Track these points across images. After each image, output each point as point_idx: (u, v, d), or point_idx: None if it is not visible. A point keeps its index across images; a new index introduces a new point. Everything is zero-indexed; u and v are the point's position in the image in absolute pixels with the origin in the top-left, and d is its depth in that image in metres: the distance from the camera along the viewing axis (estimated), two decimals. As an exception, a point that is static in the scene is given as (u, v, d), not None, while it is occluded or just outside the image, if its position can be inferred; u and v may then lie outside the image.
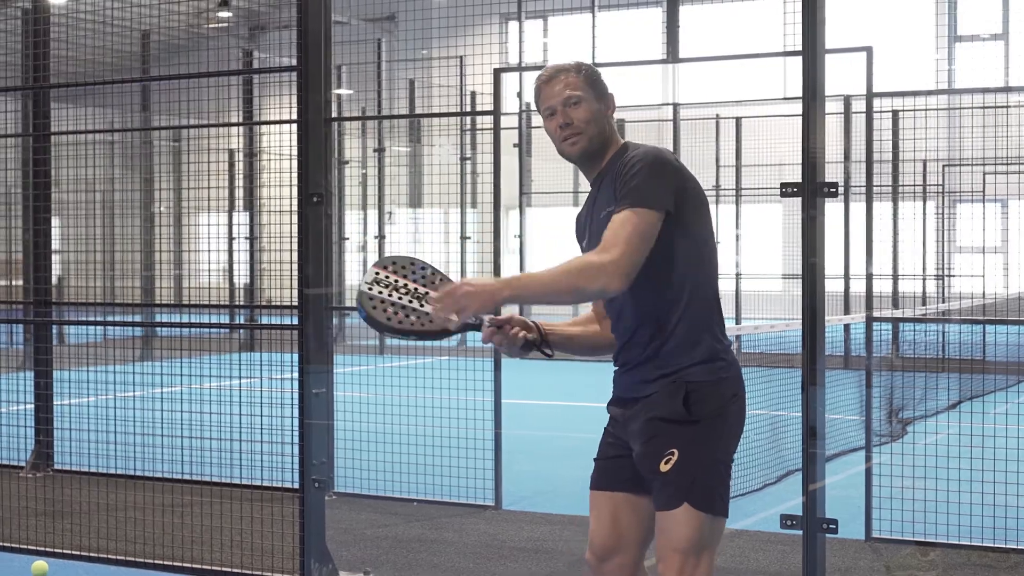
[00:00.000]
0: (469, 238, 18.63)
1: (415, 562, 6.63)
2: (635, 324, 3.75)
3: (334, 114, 16.88)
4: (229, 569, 6.38)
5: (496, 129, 8.20)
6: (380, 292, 3.67)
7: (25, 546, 6.90)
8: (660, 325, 3.70)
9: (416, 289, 3.67)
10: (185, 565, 6.50)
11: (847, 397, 10.50)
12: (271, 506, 7.37)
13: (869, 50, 7.45)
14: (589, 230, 3.85)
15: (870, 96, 7.41)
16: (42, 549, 6.81)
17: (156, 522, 7.26)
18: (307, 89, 6.31)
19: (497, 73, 8.45)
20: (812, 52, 4.98)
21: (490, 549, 6.93)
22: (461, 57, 17.98)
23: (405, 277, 3.68)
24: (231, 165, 19.50)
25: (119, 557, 6.67)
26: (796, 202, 5.00)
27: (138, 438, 8.58)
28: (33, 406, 9.08)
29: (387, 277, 3.69)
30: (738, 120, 19.35)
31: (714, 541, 3.72)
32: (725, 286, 21.01)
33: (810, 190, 4.93)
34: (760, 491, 8.28)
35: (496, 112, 8.23)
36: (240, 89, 17.98)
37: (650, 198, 3.58)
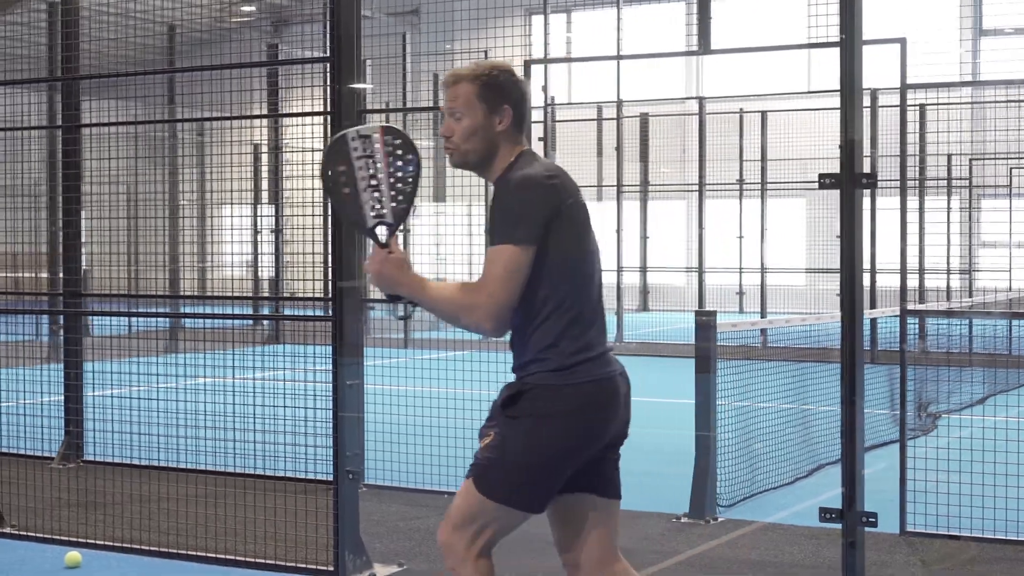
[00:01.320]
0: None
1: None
2: (510, 330, 3.86)
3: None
4: (263, 560, 6.38)
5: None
6: (358, 151, 3.76)
7: (58, 536, 6.92)
8: (523, 335, 3.80)
9: (380, 180, 3.76)
10: (220, 556, 6.50)
11: (877, 391, 10.46)
12: (304, 498, 7.37)
13: (903, 41, 7.40)
14: None
15: (904, 88, 7.36)
16: (75, 540, 6.82)
17: (188, 513, 7.27)
18: (340, 80, 6.32)
19: (527, 64, 8.42)
20: (851, 42, 4.96)
21: (521, 543, 6.89)
22: (486, 51, 17.93)
23: (390, 159, 3.77)
24: (256, 158, 19.51)
25: (152, 548, 6.68)
26: (820, 196, 5.00)
27: (168, 429, 8.60)
28: (63, 397, 9.11)
29: (378, 150, 3.76)
30: (763, 114, 19.28)
31: (490, 527, 3.79)
32: (751, 280, 20.89)
33: (849, 181, 4.92)
34: (791, 484, 8.25)
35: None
36: (265, 81, 17.98)
37: (519, 234, 3.66)
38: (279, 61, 9.87)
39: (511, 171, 3.79)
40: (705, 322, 7.34)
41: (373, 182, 3.75)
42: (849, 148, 4.93)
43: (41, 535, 7.01)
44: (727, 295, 22.24)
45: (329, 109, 6.38)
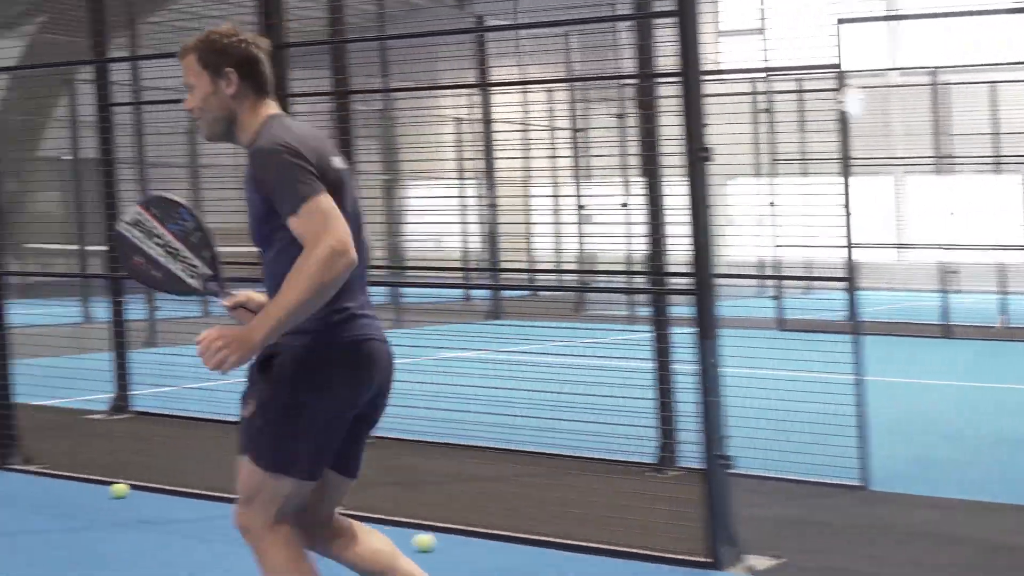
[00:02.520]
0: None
1: (828, 547, 6.13)
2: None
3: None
4: (627, 548, 5.98)
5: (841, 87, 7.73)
6: (141, 237, 3.89)
7: (375, 515, 6.57)
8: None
9: (170, 243, 3.86)
10: (562, 541, 6.15)
11: None
12: (621, 480, 7.05)
13: None
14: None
15: None
16: (398, 519, 6.51)
17: (516, 495, 7.00)
18: (687, 36, 5.97)
19: (840, 23, 8.01)
20: None
21: (890, 535, 6.39)
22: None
23: (164, 224, 3.87)
24: (486, 127, 19.17)
25: (501, 532, 6.35)
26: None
27: (453, 404, 8.31)
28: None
29: (148, 221, 3.89)
30: (993, 86, 18.45)
31: (276, 499, 3.76)
32: (959, 259, 19.96)
33: None
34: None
35: (839, 68, 7.80)
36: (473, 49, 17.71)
37: (305, 192, 3.57)
38: (623, 16, 9.23)
39: (260, 140, 3.74)
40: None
41: (171, 250, 3.87)
42: None
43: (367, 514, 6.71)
44: (933, 275, 21.36)
45: (680, 69, 5.99)
